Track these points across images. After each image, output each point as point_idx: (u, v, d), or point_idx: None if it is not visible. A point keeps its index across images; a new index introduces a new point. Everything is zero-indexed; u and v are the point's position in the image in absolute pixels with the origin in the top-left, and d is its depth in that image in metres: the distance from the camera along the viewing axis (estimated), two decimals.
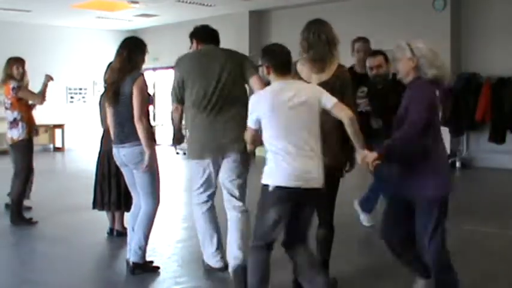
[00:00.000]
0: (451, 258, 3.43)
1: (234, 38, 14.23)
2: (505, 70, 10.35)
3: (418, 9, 11.23)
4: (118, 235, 5.41)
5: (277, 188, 3.26)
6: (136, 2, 12.80)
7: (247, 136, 3.50)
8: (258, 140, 3.48)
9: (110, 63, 5.23)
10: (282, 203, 3.28)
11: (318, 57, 3.64)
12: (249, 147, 3.64)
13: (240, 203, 4.19)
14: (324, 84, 3.57)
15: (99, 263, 5.02)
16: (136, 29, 16.94)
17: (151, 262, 4.53)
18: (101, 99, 5.34)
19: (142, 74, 4.28)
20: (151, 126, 4.34)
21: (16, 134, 6.23)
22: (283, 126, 3.29)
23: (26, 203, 6.74)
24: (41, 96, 6.37)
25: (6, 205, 6.77)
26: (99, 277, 4.56)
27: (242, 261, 3.94)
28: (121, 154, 4.30)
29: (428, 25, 10.97)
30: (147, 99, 4.31)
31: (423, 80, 3.33)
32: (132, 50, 4.30)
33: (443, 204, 3.39)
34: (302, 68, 3.74)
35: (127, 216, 5.30)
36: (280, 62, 3.42)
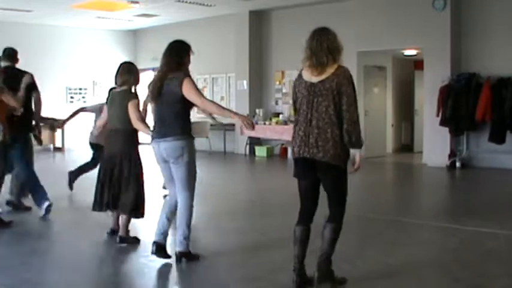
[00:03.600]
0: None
1: (234, 38, 14.27)
2: (505, 70, 10.35)
3: (418, 9, 11.23)
4: (119, 237, 5.33)
5: None
6: (137, 2, 12.81)
7: None
8: None
9: (122, 64, 5.43)
10: None
11: (317, 64, 3.85)
12: None
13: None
14: (321, 83, 3.82)
15: (99, 263, 5.02)
16: (136, 29, 16.94)
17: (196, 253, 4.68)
18: (107, 100, 5.35)
19: (188, 76, 4.46)
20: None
21: None
22: None
23: (25, 202, 6.75)
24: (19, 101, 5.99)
25: (7, 202, 6.78)
26: (99, 277, 4.56)
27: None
28: (161, 148, 4.46)
29: (428, 25, 10.99)
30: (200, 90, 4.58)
31: None
32: (177, 52, 4.66)
33: None
34: (305, 72, 3.95)
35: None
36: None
